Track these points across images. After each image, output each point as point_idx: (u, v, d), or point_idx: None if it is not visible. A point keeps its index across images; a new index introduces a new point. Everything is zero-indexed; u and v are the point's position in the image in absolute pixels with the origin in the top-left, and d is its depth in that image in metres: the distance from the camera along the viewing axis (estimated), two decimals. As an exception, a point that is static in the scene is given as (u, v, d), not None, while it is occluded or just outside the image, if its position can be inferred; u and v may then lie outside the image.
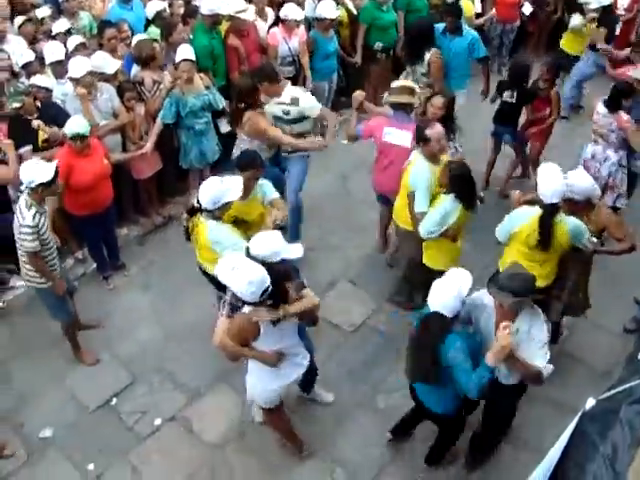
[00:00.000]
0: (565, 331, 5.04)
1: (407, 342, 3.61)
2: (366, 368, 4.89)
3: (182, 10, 6.72)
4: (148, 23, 6.56)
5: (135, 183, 6.04)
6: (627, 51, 6.96)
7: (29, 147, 5.05)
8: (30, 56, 5.58)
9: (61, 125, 4.92)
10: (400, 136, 4.97)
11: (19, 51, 5.67)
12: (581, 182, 4.18)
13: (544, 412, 4.42)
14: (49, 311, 4.68)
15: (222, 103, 5.95)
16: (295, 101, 5.19)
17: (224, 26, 6.46)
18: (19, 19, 6.11)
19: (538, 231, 4.05)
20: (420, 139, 4.53)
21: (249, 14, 6.55)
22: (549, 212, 4.03)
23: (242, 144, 5.24)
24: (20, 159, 4.87)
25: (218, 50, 6.32)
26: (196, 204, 4.09)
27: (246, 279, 3.24)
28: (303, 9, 6.85)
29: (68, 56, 5.53)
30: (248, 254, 3.51)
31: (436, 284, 3.41)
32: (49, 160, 4.42)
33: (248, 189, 4.33)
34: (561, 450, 2.82)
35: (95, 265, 5.72)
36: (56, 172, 4.21)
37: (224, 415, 4.60)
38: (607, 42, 7.26)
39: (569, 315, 4.73)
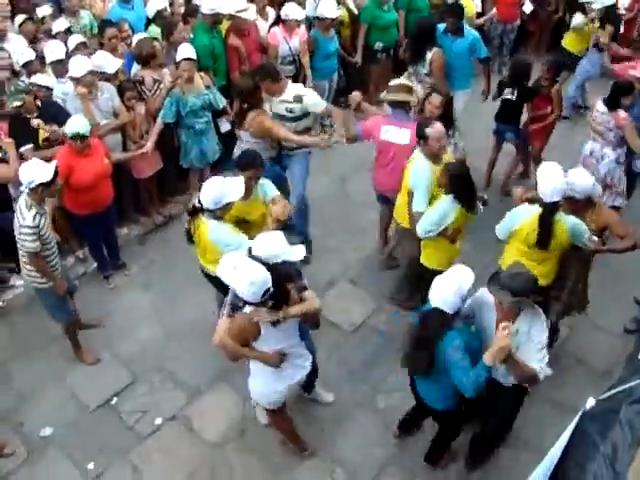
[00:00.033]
0: (566, 330, 5.03)
1: (406, 335, 3.60)
2: (366, 368, 4.89)
3: (183, 9, 6.73)
4: (149, 22, 6.57)
5: (135, 182, 6.03)
6: (627, 51, 6.97)
7: (30, 146, 5.05)
8: (31, 55, 5.58)
9: (61, 124, 4.92)
10: (398, 134, 4.96)
11: (20, 50, 5.67)
12: (582, 181, 4.18)
13: (544, 412, 4.42)
14: (49, 312, 4.68)
15: (222, 102, 5.95)
16: (299, 99, 5.20)
17: (225, 25, 6.46)
18: (20, 18, 6.11)
19: (537, 230, 4.06)
20: (420, 137, 4.52)
21: (250, 13, 6.55)
22: (549, 211, 4.03)
23: (244, 145, 5.22)
24: (21, 158, 4.88)
25: (219, 49, 6.32)
26: (197, 204, 4.08)
27: (248, 279, 3.23)
28: (304, 8, 6.85)
29: (69, 55, 5.52)
30: (250, 254, 3.51)
31: (437, 280, 3.41)
32: (49, 159, 4.43)
33: (249, 189, 4.33)
34: (561, 450, 2.82)
35: (96, 264, 5.72)
36: (55, 172, 4.20)
37: (224, 414, 4.60)
38: (612, 40, 7.26)
39: (568, 315, 4.72)
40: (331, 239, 6.08)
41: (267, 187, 4.48)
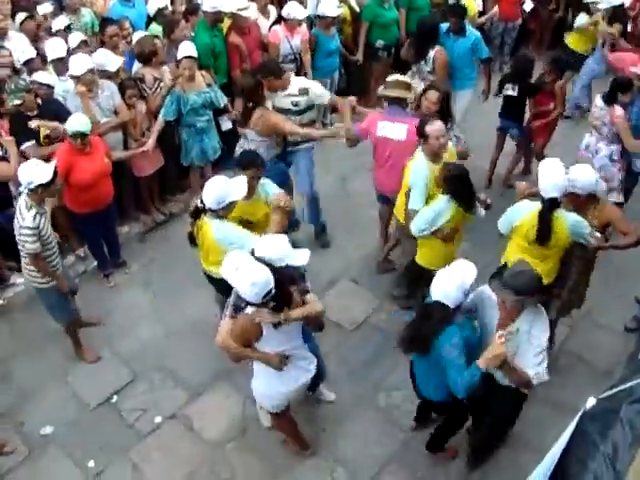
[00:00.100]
0: (566, 329, 5.03)
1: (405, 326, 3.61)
2: (367, 366, 4.89)
3: (184, 7, 6.72)
4: (150, 20, 6.56)
5: (136, 180, 6.03)
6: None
7: (32, 142, 5.04)
8: (31, 53, 5.57)
9: (62, 122, 4.90)
10: (395, 129, 4.93)
11: (20, 48, 5.66)
12: (584, 176, 4.15)
13: (544, 412, 4.41)
14: (50, 313, 4.68)
15: (223, 101, 5.94)
16: (305, 91, 5.22)
17: (226, 23, 6.46)
18: (20, 16, 6.10)
19: (537, 226, 4.05)
20: (420, 136, 4.51)
21: (251, 11, 6.54)
22: (548, 207, 4.02)
23: (247, 144, 5.20)
24: (22, 155, 4.88)
25: (220, 47, 6.32)
26: (200, 204, 4.05)
27: (250, 280, 3.22)
28: (305, 7, 6.85)
29: (70, 53, 5.52)
30: (254, 255, 3.50)
31: (440, 274, 3.40)
32: (51, 155, 4.42)
33: (251, 188, 4.30)
34: (561, 450, 2.81)
35: (96, 263, 5.72)
36: (55, 173, 4.19)
37: (225, 413, 4.60)
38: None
39: (568, 313, 4.70)
40: (332, 237, 6.07)
41: (268, 186, 4.46)
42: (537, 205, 4.08)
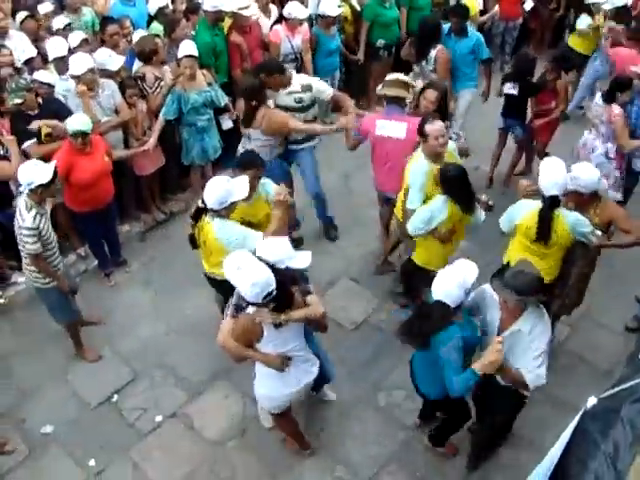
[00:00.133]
0: (567, 329, 5.03)
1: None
2: (367, 366, 4.88)
3: (184, 6, 6.71)
4: (151, 19, 6.56)
5: (137, 179, 6.03)
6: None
7: (33, 141, 5.03)
8: (32, 52, 5.57)
9: (63, 121, 4.89)
10: (393, 128, 4.92)
11: (21, 47, 5.66)
12: (587, 175, 4.14)
13: (545, 411, 4.41)
14: (50, 313, 4.68)
15: (224, 100, 5.95)
16: (307, 87, 5.23)
17: (227, 23, 6.45)
18: (21, 15, 6.09)
19: (537, 224, 4.05)
20: (420, 135, 4.50)
21: (252, 11, 6.54)
22: (548, 205, 4.02)
23: (249, 144, 5.19)
24: (24, 154, 4.88)
25: (220, 47, 6.32)
26: (201, 205, 4.04)
27: (250, 280, 3.22)
28: (306, 6, 6.84)
29: (71, 52, 5.51)
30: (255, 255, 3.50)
31: (441, 273, 3.40)
32: (52, 153, 4.41)
33: (252, 188, 4.29)
34: (562, 449, 2.81)
35: (96, 262, 5.72)
36: (55, 173, 4.18)
37: (225, 412, 4.60)
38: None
39: (568, 312, 4.70)
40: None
41: (268, 186, 4.45)
42: (538, 203, 4.09)
